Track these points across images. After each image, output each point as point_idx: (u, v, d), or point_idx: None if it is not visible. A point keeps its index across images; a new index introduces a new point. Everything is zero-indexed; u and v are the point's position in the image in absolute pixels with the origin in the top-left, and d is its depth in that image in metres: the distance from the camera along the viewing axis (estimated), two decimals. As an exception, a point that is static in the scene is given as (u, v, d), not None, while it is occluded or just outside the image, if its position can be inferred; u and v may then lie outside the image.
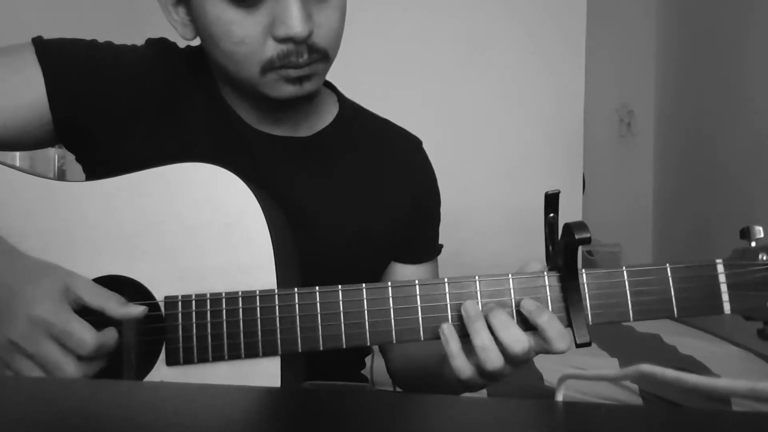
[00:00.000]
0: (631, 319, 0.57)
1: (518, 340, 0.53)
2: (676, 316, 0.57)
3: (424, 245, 0.82)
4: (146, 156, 0.62)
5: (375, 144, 0.79)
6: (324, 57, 0.65)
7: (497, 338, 0.54)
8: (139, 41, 0.75)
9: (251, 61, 0.63)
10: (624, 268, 0.57)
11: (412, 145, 0.83)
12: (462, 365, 0.55)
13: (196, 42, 0.70)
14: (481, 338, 0.54)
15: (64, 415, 0.30)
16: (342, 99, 0.81)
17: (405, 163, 0.80)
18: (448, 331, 0.55)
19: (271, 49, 0.62)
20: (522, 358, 0.54)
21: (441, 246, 0.85)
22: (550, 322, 0.54)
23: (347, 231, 0.74)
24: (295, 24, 0.60)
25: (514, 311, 0.57)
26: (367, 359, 0.88)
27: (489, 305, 0.56)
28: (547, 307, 0.56)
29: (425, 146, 0.84)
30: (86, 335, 0.52)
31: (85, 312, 0.54)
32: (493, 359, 0.54)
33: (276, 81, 0.64)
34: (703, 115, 2.28)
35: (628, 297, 0.57)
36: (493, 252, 2.15)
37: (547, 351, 0.55)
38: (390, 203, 0.77)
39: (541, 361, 1.32)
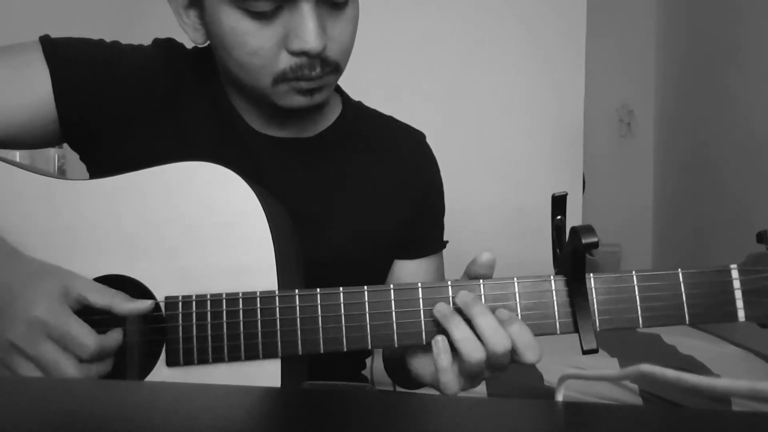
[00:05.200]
0: (641, 326, 0.55)
1: (501, 339, 0.53)
2: (687, 322, 0.55)
3: (428, 240, 0.82)
4: (149, 155, 0.62)
5: (378, 142, 0.79)
6: (335, 69, 0.65)
7: (481, 337, 0.53)
8: (147, 41, 0.75)
9: (264, 72, 0.63)
10: (633, 272, 0.56)
11: (415, 140, 0.83)
12: (450, 380, 0.54)
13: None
14: (461, 331, 0.54)
15: (64, 415, 0.30)
16: (345, 98, 0.81)
17: (408, 160, 0.80)
18: (443, 344, 0.54)
19: (285, 61, 0.62)
20: (502, 360, 0.54)
21: (446, 242, 0.84)
22: (519, 333, 0.53)
23: (351, 232, 0.73)
24: (311, 39, 0.60)
25: (519, 315, 0.56)
26: (367, 360, 0.88)
27: (466, 295, 0.55)
28: (554, 312, 0.56)
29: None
30: (86, 338, 0.52)
31: (88, 312, 0.54)
32: (473, 348, 0.53)
33: (287, 92, 0.65)
34: (703, 114, 2.28)
35: (638, 303, 0.55)
36: (493, 252, 2.15)
37: (517, 361, 0.55)
38: (394, 202, 0.77)
39: (541, 361, 1.31)
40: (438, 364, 0.54)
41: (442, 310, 0.55)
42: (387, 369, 0.83)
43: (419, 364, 0.59)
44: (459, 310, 0.55)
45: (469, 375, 0.55)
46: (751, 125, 1.96)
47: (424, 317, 0.56)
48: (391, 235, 0.77)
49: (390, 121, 0.83)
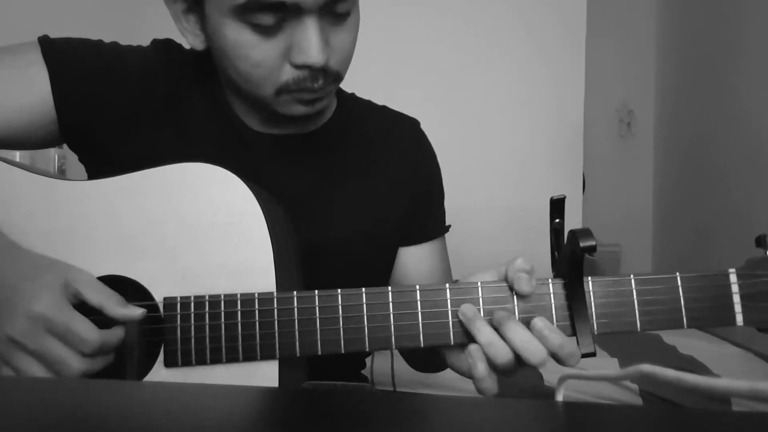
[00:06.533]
0: (639, 330, 0.55)
1: (536, 352, 0.52)
2: (685, 326, 0.55)
3: (429, 224, 0.82)
4: (148, 156, 0.62)
5: (375, 133, 0.79)
6: (336, 78, 0.66)
7: (516, 351, 0.53)
8: (146, 42, 0.74)
9: (266, 83, 0.63)
10: (632, 276, 0.55)
11: (411, 127, 0.83)
12: (489, 386, 0.54)
13: None
14: (485, 335, 0.53)
15: (64, 415, 0.30)
16: (340, 92, 0.81)
17: (405, 148, 0.80)
18: (477, 353, 0.53)
19: (288, 73, 0.62)
20: (538, 366, 0.54)
21: (449, 226, 0.84)
22: (562, 347, 0.53)
23: (353, 226, 0.73)
24: (314, 53, 0.60)
25: (517, 318, 0.56)
26: (367, 359, 0.88)
27: (500, 315, 0.54)
28: (552, 315, 0.56)
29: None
30: (89, 333, 0.52)
31: (85, 308, 0.54)
32: (502, 353, 0.53)
33: (289, 101, 0.65)
34: (703, 115, 2.28)
35: (636, 307, 0.55)
36: (493, 253, 2.14)
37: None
38: (394, 192, 0.77)
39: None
40: (475, 374, 0.53)
41: (466, 313, 0.55)
42: (404, 352, 0.83)
43: (455, 358, 0.58)
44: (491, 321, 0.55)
45: (501, 373, 0.55)
46: (751, 125, 1.96)
47: (422, 319, 0.56)
48: (394, 224, 0.77)
49: (384, 110, 0.83)
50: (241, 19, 0.59)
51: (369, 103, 0.83)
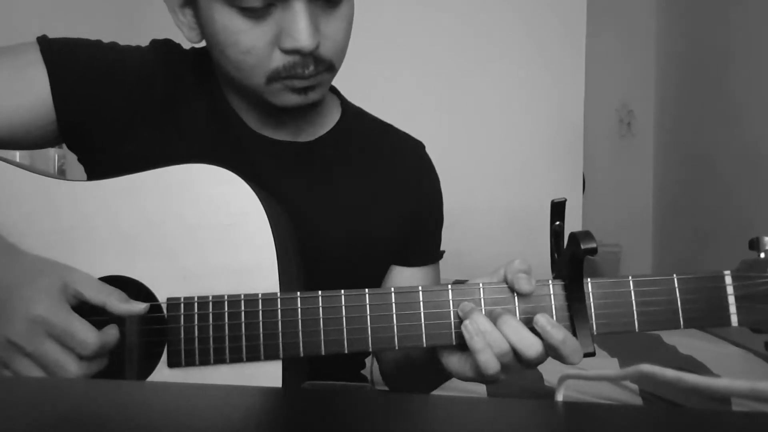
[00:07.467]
0: (636, 330, 0.56)
1: (531, 345, 0.53)
2: (682, 327, 0.56)
3: (425, 249, 0.82)
4: (148, 157, 0.62)
5: (376, 149, 0.79)
6: (329, 68, 0.65)
7: (510, 344, 0.53)
8: (146, 42, 0.74)
9: (257, 70, 0.63)
10: (630, 278, 0.56)
11: (414, 149, 0.82)
12: (489, 358, 0.53)
13: (201, 44, 0.70)
14: (481, 323, 0.53)
15: (64, 415, 0.30)
16: (345, 103, 0.81)
17: (406, 168, 0.79)
18: (472, 327, 0.54)
19: (278, 59, 0.62)
20: (536, 361, 0.54)
21: (443, 252, 0.84)
22: (565, 342, 0.53)
23: (345, 237, 0.73)
24: (303, 37, 0.60)
25: (518, 318, 0.56)
26: (367, 359, 0.88)
27: (496, 311, 0.55)
28: (552, 315, 0.56)
29: (425, 146, 0.84)
30: (88, 335, 0.52)
31: (85, 309, 0.54)
32: (498, 342, 0.53)
33: (281, 90, 0.65)
34: (703, 115, 2.28)
35: (634, 307, 0.56)
36: (493, 253, 2.14)
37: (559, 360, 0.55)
38: (390, 210, 0.76)
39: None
40: (473, 347, 0.53)
41: (464, 307, 0.56)
42: (387, 376, 0.83)
43: (452, 362, 0.58)
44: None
45: (503, 368, 0.55)
46: (750, 125, 1.96)
47: (424, 320, 0.56)
48: (387, 242, 0.76)
49: (389, 128, 0.83)
50: (230, 4, 0.60)
51: (374, 119, 0.83)
